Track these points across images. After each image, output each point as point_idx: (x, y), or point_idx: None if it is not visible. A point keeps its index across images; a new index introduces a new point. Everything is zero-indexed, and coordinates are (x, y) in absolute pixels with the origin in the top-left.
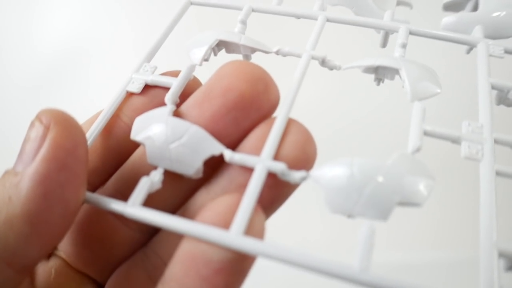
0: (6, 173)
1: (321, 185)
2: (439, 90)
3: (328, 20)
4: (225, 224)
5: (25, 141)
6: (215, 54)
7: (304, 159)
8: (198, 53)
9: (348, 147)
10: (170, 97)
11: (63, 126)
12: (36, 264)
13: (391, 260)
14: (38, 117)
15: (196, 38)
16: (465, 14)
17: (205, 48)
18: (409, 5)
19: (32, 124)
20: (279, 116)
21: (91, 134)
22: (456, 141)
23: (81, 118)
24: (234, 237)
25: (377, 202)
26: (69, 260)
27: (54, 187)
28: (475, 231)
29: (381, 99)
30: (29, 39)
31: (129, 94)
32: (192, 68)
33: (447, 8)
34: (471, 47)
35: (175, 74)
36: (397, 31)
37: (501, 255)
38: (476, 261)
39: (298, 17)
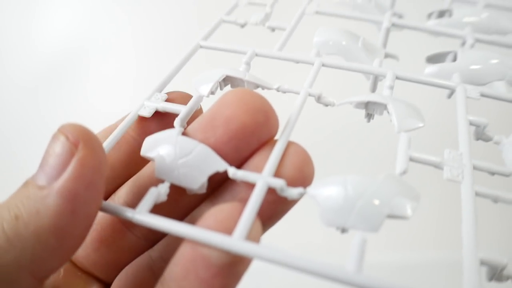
0: (28, 184)
1: (317, 202)
2: (422, 124)
3: (323, 65)
4: (226, 229)
5: (48, 154)
6: (221, 89)
7: (302, 178)
8: (206, 87)
9: (345, 151)
10: (179, 121)
11: (90, 145)
12: (55, 272)
13: (391, 260)
14: (63, 132)
15: (203, 74)
16: (446, 65)
17: (212, 82)
18: (395, 57)
19: (55, 138)
20: (280, 139)
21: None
22: (438, 166)
23: (81, 119)
24: (237, 242)
25: (368, 216)
26: (77, 261)
27: (81, 204)
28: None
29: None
30: (29, 39)
31: (140, 117)
32: (200, 98)
33: (430, 60)
34: (451, 91)
35: (180, 96)
36: (384, 76)
37: (483, 263)
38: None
39: (296, 61)
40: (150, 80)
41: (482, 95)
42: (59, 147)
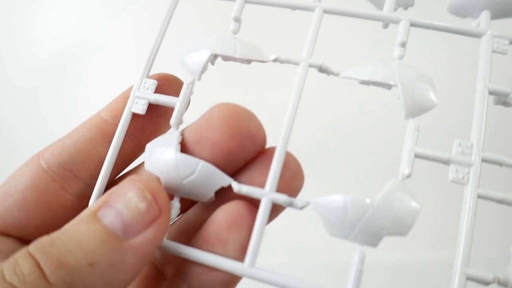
0: (97, 222)
1: (320, 214)
2: (435, 104)
3: (325, 12)
4: (238, 234)
5: (132, 209)
6: (212, 64)
7: (289, 191)
8: (196, 68)
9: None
10: (174, 122)
11: (168, 214)
12: None
13: (391, 260)
14: (154, 195)
15: (190, 47)
16: None
17: (201, 64)
18: None
19: (144, 197)
20: (278, 152)
21: (110, 159)
22: (446, 162)
23: (80, 119)
24: (249, 270)
25: (368, 233)
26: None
27: (147, 260)
28: (475, 231)
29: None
30: (28, 40)
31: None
32: (190, 84)
33: None
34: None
35: (168, 80)
36: (397, 23)
37: (469, 279)
38: (476, 261)
39: (293, 8)
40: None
41: None
42: (145, 205)
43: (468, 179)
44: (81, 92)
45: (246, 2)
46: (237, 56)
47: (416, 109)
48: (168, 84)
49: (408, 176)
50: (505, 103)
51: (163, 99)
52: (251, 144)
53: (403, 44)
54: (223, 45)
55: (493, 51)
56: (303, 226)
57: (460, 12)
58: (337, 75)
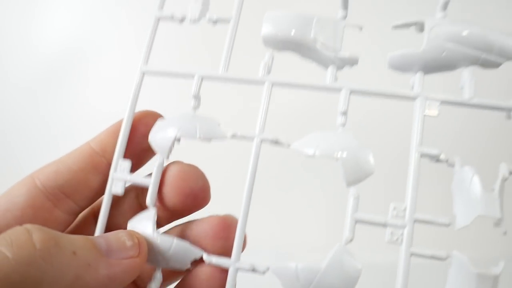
0: (93, 244)
1: (279, 278)
2: (373, 171)
3: (274, 84)
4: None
5: (118, 241)
6: (178, 143)
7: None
8: (163, 149)
9: None
10: (150, 201)
11: (144, 259)
12: None
13: (391, 260)
14: (140, 242)
15: (157, 128)
16: (409, 52)
17: (168, 146)
18: (358, 27)
19: (132, 239)
20: (238, 228)
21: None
22: (383, 225)
23: (80, 119)
24: None
25: None
26: None
27: (113, 285)
28: (475, 231)
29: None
30: (28, 40)
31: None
32: (160, 166)
33: (396, 28)
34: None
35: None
36: (340, 90)
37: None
38: (476, 261)
39: (244, 83)
40: (150, 80)
41: (443, 102)
42: (130, 244)
43: (402, 240)
44: (81, 92)
45: (203, 79)
46: (198, 137)
47: (356, 178)
48: (146, 118)
49: (351, 240)
50: (438, 162)
51: (138, 180)
52: (193, 205)
53: (345, 113)
54: (185, 127)
55: (425, 115)
56: (301, 228)
57: (399, 68)
58: (288, 147)
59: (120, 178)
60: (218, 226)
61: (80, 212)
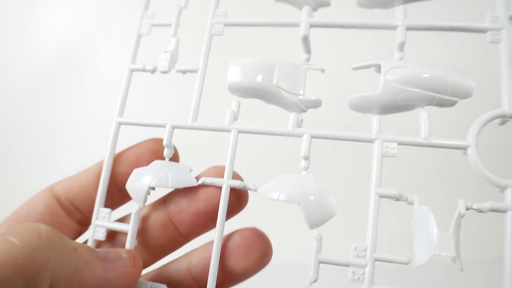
0: (92, 250)
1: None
2: (334, 213)
3: (239, 132)
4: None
5: (116, 252)
6: (154, 189)
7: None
8: (139, 198)
9: None
10: (128, 245)
11: (139, 272)
12: None
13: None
14: (136, 257)
15: (133, 177)
16: (367, 94)
17: (143, 196)
18: (321, 70)
19: (129, 253)
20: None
21: None
22: (346, 265)
23: (80, 119)
24: None
25: None
26: None
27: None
28: (475, 231)
29: None
30: (28, 40)
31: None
32: (138, 213)
33: (356, 69)
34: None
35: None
36: (301, 136)
37: None
38: (476, 261)
39: (213, 130)
40: (150, 80)
41: (400, 143)
42: (126, 256)
43: (363, 278)
44: (80, 92)
45: (174, 128)
46: (169, 186)
47: (317, 221)
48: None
49: (315, 281)
50: (398, 200)
51: (118, 226)
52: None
53: (307, 158)
54: (157, 177)
55: (383, 155)
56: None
57: (359, 109)
58: (255, 190)
59: (101, 225)
60: (250, 238)
61: (89, 223)
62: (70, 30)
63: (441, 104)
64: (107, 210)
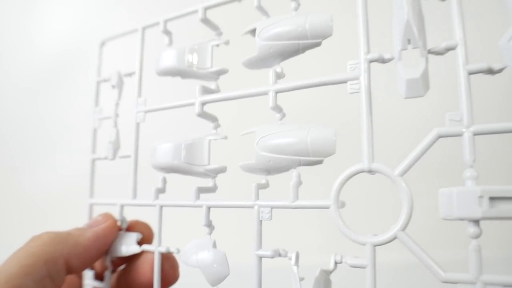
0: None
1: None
2: (228, 273)
3: (162, 206)
4: None
5: (94, 219)
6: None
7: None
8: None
9: None
10: None
11: (112, 224)
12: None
13: (392, 260)
14: (107, 214)
15: (118, 241)
16: (248, 164)
17: (133, 244)
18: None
19: (104, 214)
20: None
21: None
22: None
23: (80, 119)
24: None
25: None
26: None
27: (99, 241)
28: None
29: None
30: (28, 40)
31: None
32: (108, 276)
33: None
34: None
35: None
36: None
37: None
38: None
39: (142, 205)
40: (149, 80)
41: (273, 207)
42: (102, 217)
43: None
44: (80, 93)
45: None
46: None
47: (215, 281)
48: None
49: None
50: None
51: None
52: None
53: (209, 225)
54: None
55: (260, 220)
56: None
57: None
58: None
59: (88, 284)
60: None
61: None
62: (70, 31)
63: (308, 164)
64: (91, 271)
